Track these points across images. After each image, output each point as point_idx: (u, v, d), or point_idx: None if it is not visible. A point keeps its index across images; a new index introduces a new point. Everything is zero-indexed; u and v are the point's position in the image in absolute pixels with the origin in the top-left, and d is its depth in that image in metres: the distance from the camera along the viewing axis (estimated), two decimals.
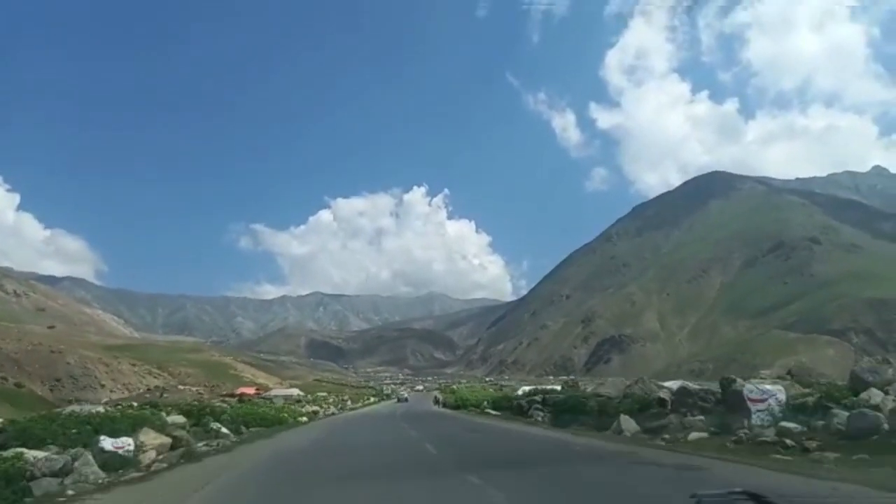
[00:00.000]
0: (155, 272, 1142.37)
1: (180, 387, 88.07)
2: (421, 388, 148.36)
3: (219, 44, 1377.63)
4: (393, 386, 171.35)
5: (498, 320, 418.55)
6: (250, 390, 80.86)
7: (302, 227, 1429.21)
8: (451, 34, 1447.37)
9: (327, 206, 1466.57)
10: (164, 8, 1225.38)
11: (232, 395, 69.56)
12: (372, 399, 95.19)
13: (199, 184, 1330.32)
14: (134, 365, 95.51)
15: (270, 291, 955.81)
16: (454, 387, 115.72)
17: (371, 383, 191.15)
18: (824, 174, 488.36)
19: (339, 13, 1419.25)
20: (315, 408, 58.26)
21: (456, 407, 50.03)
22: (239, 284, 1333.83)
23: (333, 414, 56.13)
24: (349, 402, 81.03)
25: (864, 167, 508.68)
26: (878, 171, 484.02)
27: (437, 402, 62.28)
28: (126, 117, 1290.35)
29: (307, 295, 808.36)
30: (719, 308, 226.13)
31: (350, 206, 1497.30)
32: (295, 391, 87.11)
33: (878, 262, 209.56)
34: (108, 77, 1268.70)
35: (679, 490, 7.79)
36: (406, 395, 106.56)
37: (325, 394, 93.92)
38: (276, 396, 71.66)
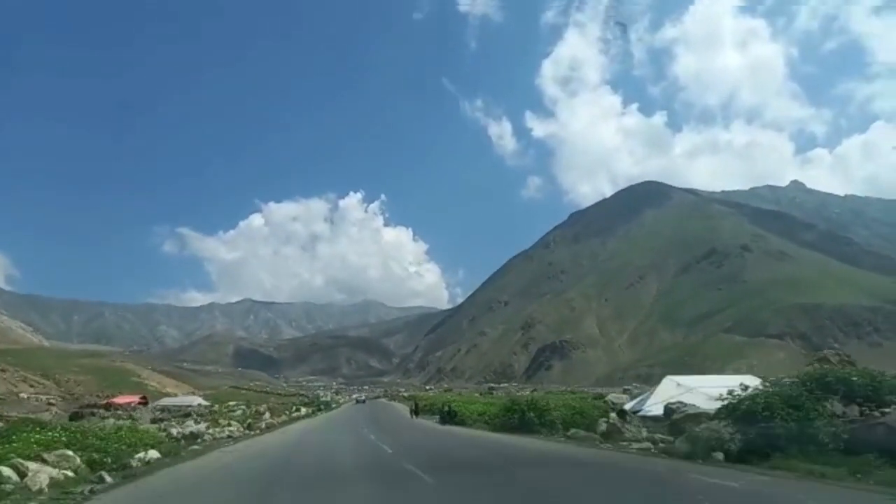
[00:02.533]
0: (71, 277, 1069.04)
1: (23, 395, 72.65)
2: (363, 397, 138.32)
3: (144, 44, 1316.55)
4: (332, 394, 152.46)
5: (436, 327, 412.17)
6: (128, 399, 69.28)
7: (231, 231, 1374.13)
8: (387, 36, 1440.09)
9: (258, 211, 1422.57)
10: (89, 8, 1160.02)
11: (97, 406, 58.98)
12: (303, 410, 63.72)
13: (120, 185, 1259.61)
14: (3, 371, 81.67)
15: (197, 298, 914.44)
16: (428, 392, 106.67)
17: (302, 392, 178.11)
18: (747, 187, 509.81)
19: (271, 13, 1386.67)
20: (199, 426, 32.82)
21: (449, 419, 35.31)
22: (163, 291, 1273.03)
23: (229, 439, 28.28)
24: (267, 416, 48.97)
25: (783, 182, 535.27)
26: (797, 185, 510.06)
27: (414, 412, 47.37)
28: (39, 116, 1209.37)
29: (237, 302, 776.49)
30: (657, 314, 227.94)
31: (282, 210, 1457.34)
32: (198, 400, 73.40)
33: (806, 269, 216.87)
34: (18, 76, 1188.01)
35: None
36: (364, 398, 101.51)
37: (236, 403, 73.16)
38: (164, 406, 61.06)
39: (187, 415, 50.61)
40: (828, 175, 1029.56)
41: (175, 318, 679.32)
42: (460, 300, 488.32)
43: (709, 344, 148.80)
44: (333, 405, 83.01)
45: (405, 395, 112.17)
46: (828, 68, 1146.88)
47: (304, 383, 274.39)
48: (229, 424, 35.51)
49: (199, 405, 65.54)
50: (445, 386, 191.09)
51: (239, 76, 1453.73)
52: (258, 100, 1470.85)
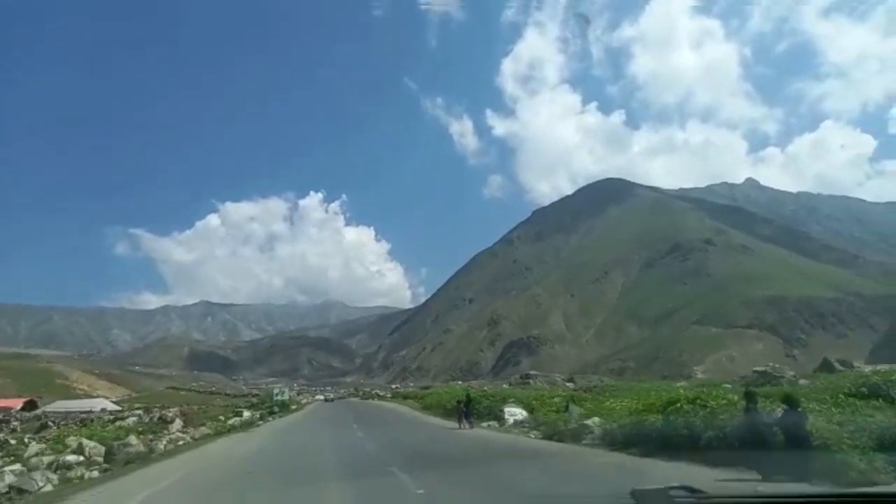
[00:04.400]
0: (19, 281, 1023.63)
1: None
2: (332, 396, 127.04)
3: (97, 43, 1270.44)
4: (290, 393, 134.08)
5: (400, 326, 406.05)
6: (6, 403, 61.09)
7: (187, 232, 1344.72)
8: (347, 33, 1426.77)
9: (215, 211, 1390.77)
10: (39, 9, 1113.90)
11: None
12: (245, 415, 43.37)
13: (70, 186, 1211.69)
14: None
15: (152, 301, 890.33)
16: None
17: (256, 393, 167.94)
18: (704, 185, 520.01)
19: (230, 12, 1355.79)
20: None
21: None
22: (116, 294, 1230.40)
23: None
24: (177, 426, 32.17)
25: (739, 179, 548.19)
26: (751, 182, 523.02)
27: (464, 414, 29.70)
28: None
29: (193, 304, 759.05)
30: (623, 308, 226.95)
31: (240, 210, 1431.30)
32: (102, 404, 63.50)
33: (768, 262, 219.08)
34: None
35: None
36: (332, 397, 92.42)
37: (140, 411, 52.98)
38: (55, 412, 53.66)
39: (45, 426, 43.11)
40: (780, 173, 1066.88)
41: (128, 322, 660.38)
42: (423, 299, 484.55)
43: (683, 337, 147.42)
44: (293, 406, 62.40)
45: (398, 390, 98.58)
46: (780, 68, 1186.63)
47: (264, 385, 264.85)
48: (77, 450, 19.64)
49: (103, 410, 57.00)
50: (411, 385, 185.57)
51: (197, 75, 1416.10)
52: (215, 98, 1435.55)
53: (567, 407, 22.07)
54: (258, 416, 43.97)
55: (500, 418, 25.92)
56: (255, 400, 67.73)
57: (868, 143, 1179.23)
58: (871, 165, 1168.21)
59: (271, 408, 50.39)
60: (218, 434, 30.04)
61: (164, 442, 24.10)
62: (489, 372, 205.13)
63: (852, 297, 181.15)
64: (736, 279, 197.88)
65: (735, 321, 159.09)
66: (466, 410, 26.24)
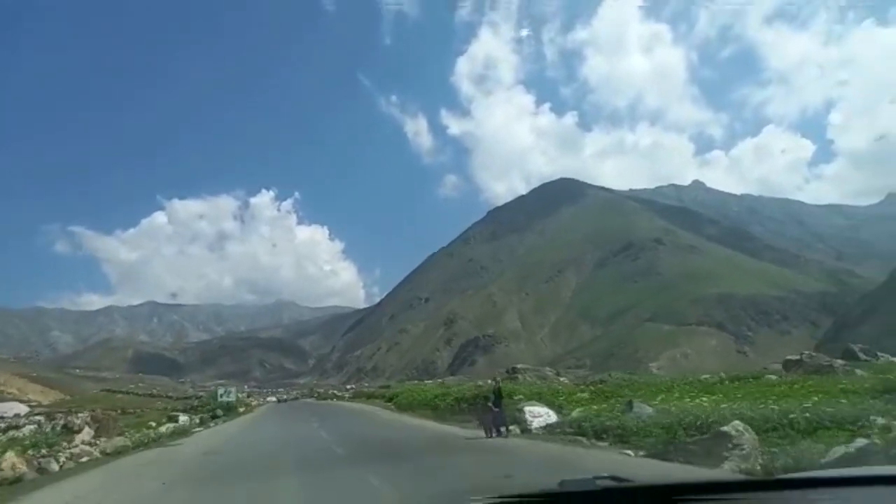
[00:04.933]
0: None
1: None
2: (286, 397, 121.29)
3: (38, 34, 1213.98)
4: (237, 394, 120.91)
5: (354, 326, 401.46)
6: None
7: (132, 230, 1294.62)
8: (299, 26, 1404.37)
9: (161, 208, 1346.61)
10: None
11: None
12: (181, 420, 35.64)
13: (2, 179, 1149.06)
14: None
15: (94, 301, 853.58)
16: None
17: (201, 394, 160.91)
18: (652, 186, 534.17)
19: (177, 4, 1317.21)
20: None
21: None
22: (55, 294, 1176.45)
23: None
24: (84, 437, 24.53)
25: (686, 181, 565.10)
26: (698, 184, 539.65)
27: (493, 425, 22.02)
28: None
29: (139, 305, 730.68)
30: (577, 307, 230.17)
31: (187, 208, 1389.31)
32: (17, 409, 56.81)
33: (714, 261, 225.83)
34: None
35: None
36: (286, 398, 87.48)
37: (42, 416, 41.81)
38: None
39: None
40: (725, 175, 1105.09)
41: (69, 323, 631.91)
42: (378, 299, 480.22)
43: (636, 334, 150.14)
44: (241, 409, 54.53)
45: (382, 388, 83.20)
46: (725, 73, 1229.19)
47: (212, 387, 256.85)
48: None
49: (16, 415, 51.12)
50: (366, 385, 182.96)
51: (145, 67, 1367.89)
52: (162, 91, 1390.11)
53: (631, 406, 16.70)
54: (197, 420, 37.11)
55: (518, 420, 19.77)
56: (196, 402, 57.41)
57: (807, 148, 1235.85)
58: (810, 169, 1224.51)
59: (214, 411, 42.62)
60: (139, 446, 23.36)
61: (63, 458, 18.44)
62: (445, 371, 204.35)
63: (794, 295, 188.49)
64: (685, 278, 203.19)
65: (685, 319, 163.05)
66: (498, 412, 18.58)
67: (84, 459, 19.18)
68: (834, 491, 1.89)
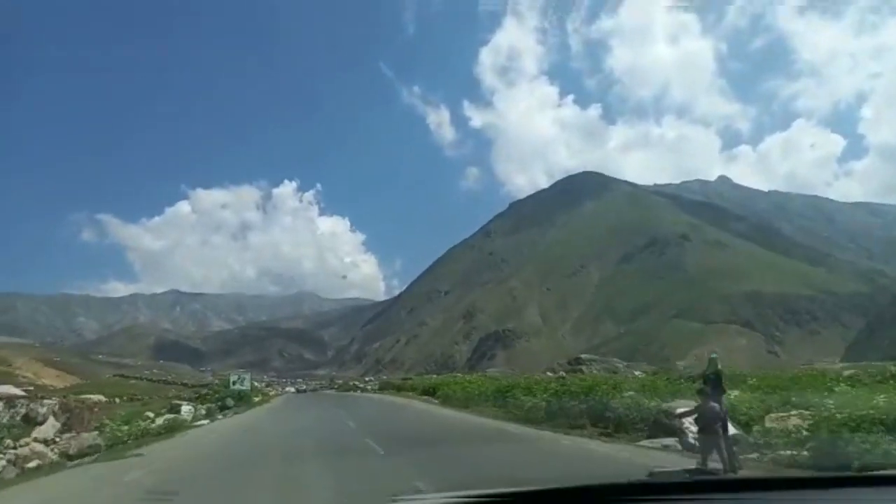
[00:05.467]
0: None
1: None
2: (305, 387, 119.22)
3: (65, 21, 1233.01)
4: (252, 382, 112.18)
5: (374, 318, 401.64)
6: None
7: (156, 219, 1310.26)
8: (322, 16, 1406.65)
9: (185, 198, 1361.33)
10: None
11: None
12: (183, 410, 29.52)
13: (33, 168, 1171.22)
14: None
15: (119, 289, 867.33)
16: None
17: (217, 384, 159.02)
18: (678, 181, 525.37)
19: None
20: None
21: None
22: (82, 282, 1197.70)
23: None
24: (48, 430, 19.18)
25: (711, 177, 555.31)
26: (723, 180, 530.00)
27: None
28: None
29: (162, 293, 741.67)
30: (600, 302, 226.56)
31: (211, 197, 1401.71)
32: (13, 391, 54.31)
33: (742, 258, 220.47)
34: None
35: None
36: (305, 388, 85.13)
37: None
38: None
39: None
40: (751, 171, 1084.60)
41: (95, 310, 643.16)
42: (398, 291, 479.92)
43: (663, 331, 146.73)
44: (256, 398, 48.85)
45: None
46: (754, 65, 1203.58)
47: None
48: None
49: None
50: (384, 378, 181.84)
51: (168, 55, 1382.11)
52: (186, 81, 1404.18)
53: None
54: (203, 411, 30.97)
55: (668, 430, 13.83)
56: (206, 391, 49.17)
57: (837, 143, 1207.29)
58: (840, 166, 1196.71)
59: (223, 400, 36.29)
60: (113, 445, 17.94)
61: (2, 464, 13.88)
62: (464, 365, 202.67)
63: (824, 294, 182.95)
64: (711, 274, 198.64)
65: (712, 316, 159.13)
66: (724, 423, 9.65)
67: (33, 464, 14.40)
68: None
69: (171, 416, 26.41)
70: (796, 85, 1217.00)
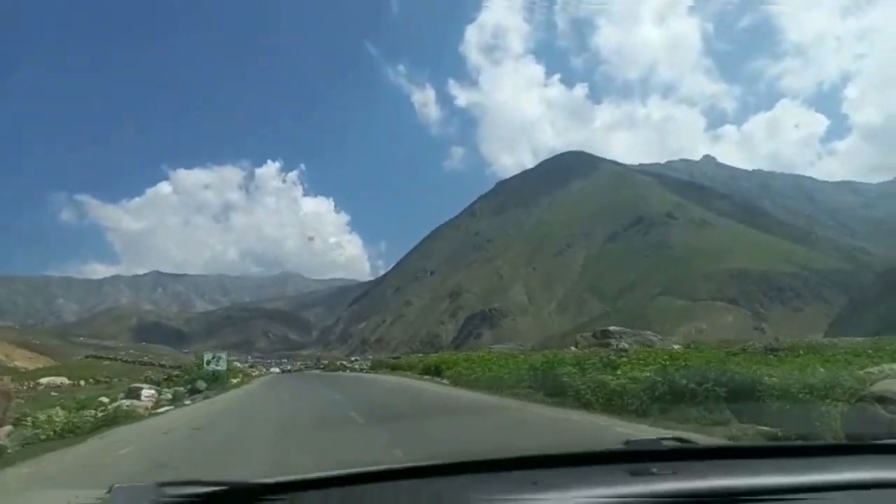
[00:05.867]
0: None
1: None
2: (290, 367, 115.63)
3: (46, 2, 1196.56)
4: (243, 366, 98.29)
5: (359, 298, 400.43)
6: None
7: (137, 199, 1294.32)
8: None
9: (166, 178, 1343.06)
10: None
11: None
12: (143, 395, 24.16)
13: (11, 149, 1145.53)
14: None
15: (100, 271, 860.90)
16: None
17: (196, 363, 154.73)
18: (663, 161, 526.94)
19: None
20: None
21: None
22: (62, 263, 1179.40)
23: None
24: None
25: (696, 156, 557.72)
26: (708, 159, 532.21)
27: None
28: None
29: (144, 275, 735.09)
30: (586, 281, 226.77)
31: (193, 178, 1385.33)
32: None
33: (726, 236, 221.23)
34: None
35: None
36: (290, 368, 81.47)
37: None
38: None
39: None
40: (736, 150, 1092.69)
41: (75, 292, 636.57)
42: (383, 272, 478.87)
43: (650, 309, 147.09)
44: (235, 379, 44.07)
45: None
46: (740, 45, 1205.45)
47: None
48: None
49: None
50: (370, 357, 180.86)
51: (148, 34, 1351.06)
52: (168, 61, 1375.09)
53: None
54: (169, 394, 27.01)
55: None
56: (177, 372, 45.36)
57: (821, 123, 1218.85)
58: (823, 145, 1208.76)
59: (194, 382, 31.77)
60: (34, 442, 13.17)
61: None
62: (450, 344, 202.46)
63: (807, 272, 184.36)
64: (697, 252, 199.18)
65: (698, 294, 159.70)
66: None
67: None
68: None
69: (128, 401, 21.81)
70: (781, 65, 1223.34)
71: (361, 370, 63.92)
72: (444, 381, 29.18)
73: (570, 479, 1.59)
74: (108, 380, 41.84)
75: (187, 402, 25.49)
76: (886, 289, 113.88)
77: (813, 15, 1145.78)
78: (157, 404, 23.32)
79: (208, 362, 36.78)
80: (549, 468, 1.68)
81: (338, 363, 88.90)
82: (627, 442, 1.94)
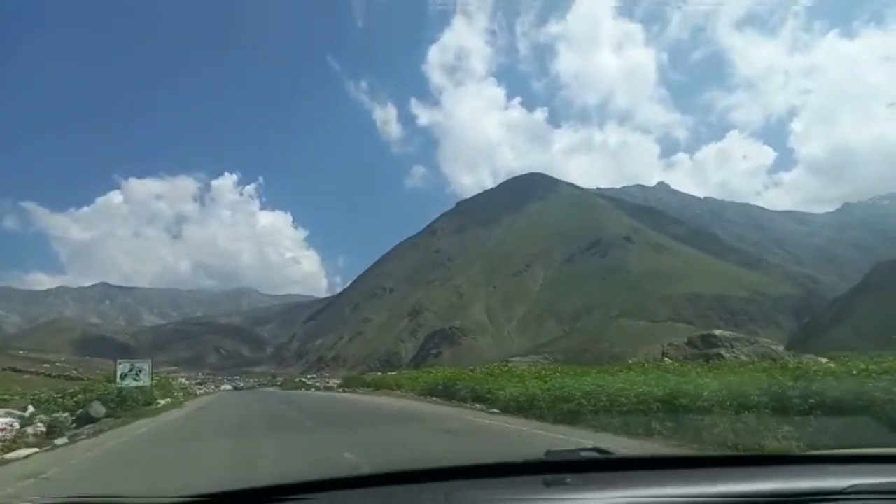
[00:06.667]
0: None
1: None
2: (242, 385, 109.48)
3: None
4: (185, 382, 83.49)
5: (315, 315, 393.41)
6: None
7: (85, 208, 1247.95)
8: (269, 4, 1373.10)
9: (117, 187, 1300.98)
10: None
11: None
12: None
13: None
14: None
15: (44, 281, 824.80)
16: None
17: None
18: (619, 186, 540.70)
19: None
20: None
21: None
22: (2, 272, 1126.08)
23: None
24: None
25: (651, 182, 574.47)
26: (663, 186, 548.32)
27: None
28: None
29: (91, 286, 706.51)
30: (544, 301, 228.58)
31: (146, 188, 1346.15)
32: None
33: (681, 261, 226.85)
34: None
35: None
36: (242, 385, 75.85)
37: None
38: None
39: None
40: (687, 178, 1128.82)
41: (16, 303, 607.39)
42: (340, 288, 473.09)
43: (611, 329, 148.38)
44: (162, 401, 31.18)
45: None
46: (694, 77, 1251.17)
47: (165, 373, 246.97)
48: None
49: None
50: (326, 375, 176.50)
51: (104, 38, 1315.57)
52: (124, 66, 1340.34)
53: None
54: (42, 427, 16.99)
55: None
56: (77, 388, 30.56)
57: (768, 155, 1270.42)
58: (769, 176, 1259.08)
59: (87, 406, 21.37)
60: None
61: None
62: (409, 362, 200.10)
63: (760, 297, 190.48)
64: (653, 276, 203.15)
65: (654, 316, 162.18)
66: None
67: None
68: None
69: None
70: (732, 97, 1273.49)
71: (336, 389, 55.68)
72: (493, 409, 18.95)
73: (483, 491, 1.60)
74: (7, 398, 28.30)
75: (63, 439, 15.66)
76: (837, 315, 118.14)
77: (762, 50, 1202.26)
78: (15, 442, 14.92)
79: (123, 375, 27.04)
80: (464, 479, 1.70)
81: (297, 380, 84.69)
82: (548, 452, 1.95)
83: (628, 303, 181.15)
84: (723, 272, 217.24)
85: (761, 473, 1.82)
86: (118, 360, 29.29)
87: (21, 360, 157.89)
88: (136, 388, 26.67)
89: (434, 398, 26.79)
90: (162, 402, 31.41)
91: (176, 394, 41.03)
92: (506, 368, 34.99)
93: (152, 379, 29.75)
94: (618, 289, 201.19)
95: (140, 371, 27.81)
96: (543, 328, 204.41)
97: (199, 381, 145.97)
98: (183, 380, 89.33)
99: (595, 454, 1.92)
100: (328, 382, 66.67)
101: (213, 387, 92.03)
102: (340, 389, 51.86)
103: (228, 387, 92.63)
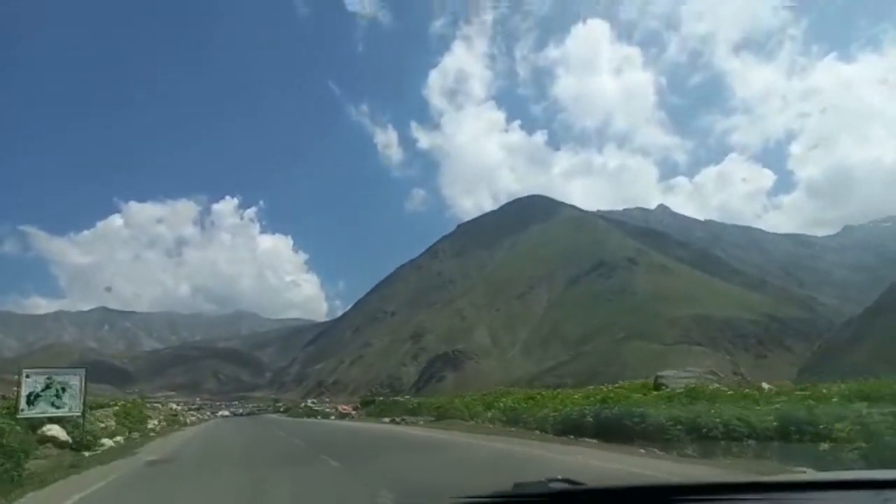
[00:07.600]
0: None
1: None
2: (242, 410, 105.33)
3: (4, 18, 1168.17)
4: (177, 407, 77.00)
5: (315, 339, 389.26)
6: None
7: (85, 232, 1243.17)
8: (270, 30, 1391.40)
9: (118, 211, 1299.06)
10: None
11: None
12: None
13: None
14: None
15: (42, 305, 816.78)
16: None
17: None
18: (620, 208, 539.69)
19: (146, 2, 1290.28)
20: None
21: None
22: (1, 296, 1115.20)
23: None
24: None
25: (651, 205, 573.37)
26: (663, 209, 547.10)
27: None
28: None
29: (90, 311, 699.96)
30: (549, 324, 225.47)
31: (146, 211, 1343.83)
32: None
33: (686, 282, 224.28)
34: None
35: None
36: (242, 412, 72.52)
37: None
38: None
39: None
40: (687, 201, 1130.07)
41: (14, 327, 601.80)
42: (340, 312, 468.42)
43: (619, 352, 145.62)
44: (112, 441, 21.64)
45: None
46: (692, 100, 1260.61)
47: (162, 398, 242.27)
48: None
49: None
50: (327, 400, 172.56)
51: (105, 64, 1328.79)
52: (126, 88, 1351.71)
53: None
54: None
55: None
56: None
57: (767, 178, 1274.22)
58: (769, 199, 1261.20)
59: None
60: None
61: None
62: (412, 387, 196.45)
63: (767, 319, 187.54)
64: (659, 298, 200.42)
65: (663, 339, 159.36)
66: None
67: None
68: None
69: None
70: (730, 121, 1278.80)
71: (356, 416, 45.69)
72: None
73: None
74: None
75: None
76: (852, 338, 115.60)
77: (760, 74, 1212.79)
78: None
79: (34, 397, 17.71)
80: None
81: (303, 405, 79.32)
82: (516, 485, 1.95)
83: (635, 325, 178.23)
84: (728, 294, 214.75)
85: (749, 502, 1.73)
86: (24, 371, 18.78)
87: (13, 385, 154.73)
88: (56, 418, 17.91)
89: (585, 438, 16.08)
90: (108, 443, 21.14)
91: (151, 425, 32.57)
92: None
93: (86, 404, 19.53)
94: (624, 311, 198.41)
95: (63, 390, 17.95)
96: (549, 351, 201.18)
97: (196, 406, 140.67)
98: (174, 405, 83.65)
99: (565, 485, 1.89)
100: (342, 409, 57.35)
101: (209, 413, 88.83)
102: (357, 416, 45.28)
103: (226, 412, 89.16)
